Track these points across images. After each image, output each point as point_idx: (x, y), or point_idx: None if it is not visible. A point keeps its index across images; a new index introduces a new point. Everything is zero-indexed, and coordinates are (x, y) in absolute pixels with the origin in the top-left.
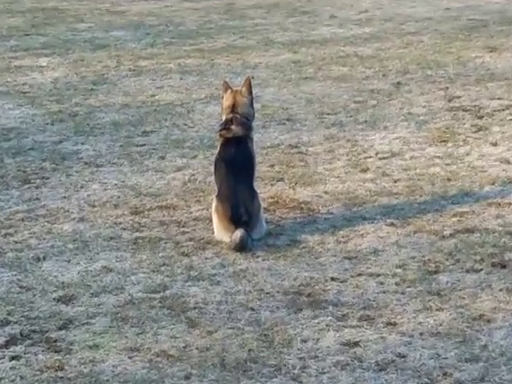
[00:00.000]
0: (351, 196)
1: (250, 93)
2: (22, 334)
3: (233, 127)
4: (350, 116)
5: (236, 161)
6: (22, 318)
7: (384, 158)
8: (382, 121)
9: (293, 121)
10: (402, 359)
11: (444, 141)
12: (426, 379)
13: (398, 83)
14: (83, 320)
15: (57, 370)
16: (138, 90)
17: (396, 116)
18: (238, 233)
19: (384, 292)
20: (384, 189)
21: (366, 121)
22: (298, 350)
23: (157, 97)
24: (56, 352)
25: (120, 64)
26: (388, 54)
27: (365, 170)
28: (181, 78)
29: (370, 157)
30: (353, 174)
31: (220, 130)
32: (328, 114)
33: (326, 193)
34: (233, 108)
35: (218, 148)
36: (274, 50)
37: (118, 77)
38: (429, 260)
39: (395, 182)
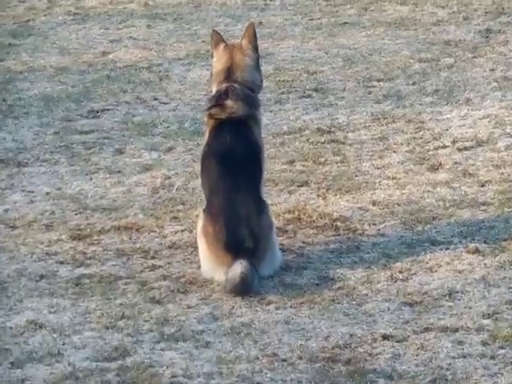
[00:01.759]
0: (414, 208)
1: (256, 48)
2: None
3: (228, 103)
4: (413, 83)
5: (234, 155)
6: None
7: (465, 149)
8: (463, 90)
9: (324, 91)
10: None
11: None
12: None
13: (488, 31)
14: None
15: None
16: (82, 44)
17: (484, 82)
18: (238, 267)
19: (464, 356)
20: (465, 196)
21: (437, 90)
22: None
23: (111, 55)
24: None
25: (53, 4)
26: None
27: (435, 168)
28: (148, 26)
29: (444, 146)
30: (417, 174)
31: (209, 108)
32: (378, 80)
33: (374, 203)
34: (228, 73)
35: (207, 136)
36: None
37: (50, 25)
38: None
39: (482, 185)
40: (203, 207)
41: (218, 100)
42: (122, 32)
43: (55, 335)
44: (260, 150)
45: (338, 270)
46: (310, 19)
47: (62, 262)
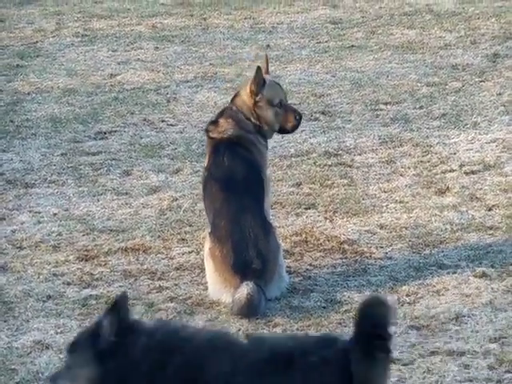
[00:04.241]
0: (421, 232)
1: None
2: None
3: (221, 121)
4: (421, 107)
5: (233, 176)
6: None
7: (472, 173)
8: (470, 114)
9: (331, 115)
10: None
11: None
12: None
13: (495, 55)
14: None
15: None
16: (90, 66)
17: (492, 107)
18: (245, 289)
19: (470, 380)
20: (472, 220)
21: (444, 114)
22: None
23: (119, 77)
24: None
25: (61, 26)
26: (479, 8)
27: (443, 192)
28: (156, 48)
29: (451, 170)
30: (424, 198)
31: (206, 128)
32: (386, 103)
33: (381, 227)
34: (233, 98)
35: (207, 157)
36: (302, 4)
37: (58, 46)
38: None
39: (489, 209)
40: (209, 230)
41: (214, 120)
42: (129, 54)
43: (61, 356)
44: (260, 172)
45: (345, 293)
46: (318, 42)
47: (68, 283)
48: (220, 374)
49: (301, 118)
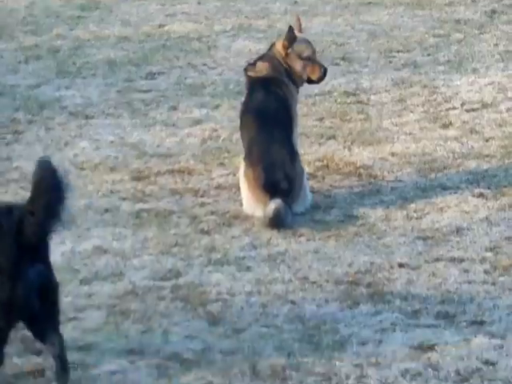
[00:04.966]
0: (427, 159)
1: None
2: None
3: (259, 63)
4: (428, 54)
5: (267, 110)
6: None
7: (472, 110)
8: (471, 61)
9: (350, 60)
10: (491, 367)
11: None
12: None
13: (493, 11)
14: (70, 314)
15: (36, 377)
16: (142, 18)
17: (489, 55)
18: (274, 205)
19: (469, 282)
20: (471, 149)
21: (448, 61)
22: (354, 354)
23: (166, 27)
24: (35, 354)
25: None
26: None
27: (446, 126)
28: (199, 3)
29: (454, 108)
30: (430, 131)
31: (245, 67)
32: (398, 51)
33: (393, 154)
34: (270, 47)
35: (246, 93)
36: None
37: (114, 0)
38: None
39: (486, 140)
40: (244, 155)
41: (254, 61)
42: (175, 8)
43: (118, 259)
44: (289, 107)
45: (360, 210)
46: None
47: (123, 199)
48: None
49: (326, 71)
